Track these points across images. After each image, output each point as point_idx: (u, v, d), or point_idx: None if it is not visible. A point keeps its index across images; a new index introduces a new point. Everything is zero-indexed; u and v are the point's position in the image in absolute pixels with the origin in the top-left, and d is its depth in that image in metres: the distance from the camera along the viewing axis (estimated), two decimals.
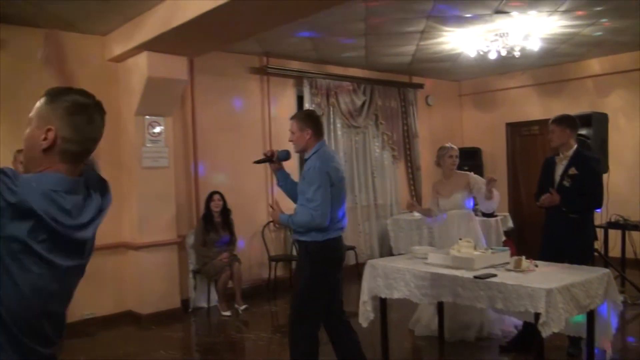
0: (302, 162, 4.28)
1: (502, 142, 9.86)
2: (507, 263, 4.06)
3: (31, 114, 1.72)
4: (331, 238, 3.79)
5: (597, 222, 6.55)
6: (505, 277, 3.75)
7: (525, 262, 3.99)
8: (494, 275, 3.80)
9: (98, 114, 1.75)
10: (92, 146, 1.74)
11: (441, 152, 5.47)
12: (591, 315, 3.95)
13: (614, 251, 6.85)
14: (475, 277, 3.80)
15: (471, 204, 5.35)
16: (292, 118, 3.93)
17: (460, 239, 4.43)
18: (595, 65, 8.55)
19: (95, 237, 1.84)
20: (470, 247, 4.29)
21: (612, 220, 6.73)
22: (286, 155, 3.94)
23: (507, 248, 4.48)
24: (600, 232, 6.70)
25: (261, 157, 3.95)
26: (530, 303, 3.51)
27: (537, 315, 3.48)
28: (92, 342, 5.56)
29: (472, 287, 3.80)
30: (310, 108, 7.82)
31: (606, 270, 4.02)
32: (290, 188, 3.99)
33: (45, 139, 1.63)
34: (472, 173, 5.42)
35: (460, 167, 9.42)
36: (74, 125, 1.66)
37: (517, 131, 9.79)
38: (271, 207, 4.00)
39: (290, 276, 7.49)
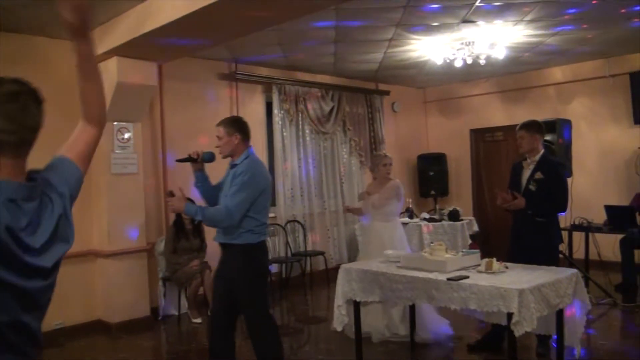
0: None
1: (466, 147, 10.06)
2: (478, 265, 4.16)
3: None
4: (262, 241, 3.91)
5: (562, 224, 6.77)
6: (477, 279, 3.85)
7: (496, 264, 4.09)
8: (467, 277, 3.89)
9: (33, 101, 1.64)
10: (28, 135, 1.62)
11: (376, 161, 5.64)
12: (560, 314, 4.08)
13: (578, 253, 7.04)
14: (449, 279, 3.88)
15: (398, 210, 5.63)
16: (219, 124, 3.97)
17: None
18: (557, 73, 8.79)
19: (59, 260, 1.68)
20: (442, 250, 4.37)
21: (576, 223, 6.93)
22: (210, 157, 3.97)
23: (477, 250, 4.57)
24: (565, 235, 6.90)
25: (185, 156, 4.00)
26: (503, 303, 3.60)
27: (509, 315, 3.58)
28: (62, 352, 5.45)
29: (445, 289, 3.88)
30: (279, 114, 7.87)
31: (574, 271, 4.15)
32: (206, 190, 4.03)
33: None
34: (398, 181, 5.61)
35: (425, 172, 9.70)
36: (6, 114, 1.57)
37: (481, 137, 10.00)
38: (170, 194, 3.97)
39: None
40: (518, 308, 3.53)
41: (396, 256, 4.61)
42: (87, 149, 1.89)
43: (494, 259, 4.14)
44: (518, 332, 3.55)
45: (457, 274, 3.98)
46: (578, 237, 7.03)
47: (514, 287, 3.57)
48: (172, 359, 5.48)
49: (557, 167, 4.84)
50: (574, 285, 4.06)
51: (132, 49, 5.54)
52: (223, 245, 3.90)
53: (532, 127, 4.87)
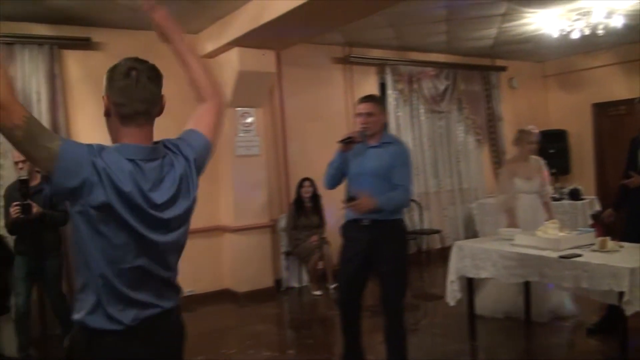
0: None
1: (588, 123, 9.65)
2: (592, 244, 4.15)
3: None
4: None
5: None
6: (590, 257, 3.86)
7: (610, 243, 4.07)
8: (580, 255, 3.91)
9: (146, 76, 1.90)
10: (140, 106, 1.88)
11: (522, 136, 5.41)
12: None
13: None
14: (561, 257, 3.92)
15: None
16: (367, 100, 3.87)
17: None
18: None
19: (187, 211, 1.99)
20: (555, 229, 4.39)
21: None
22: (365, 137, 3.82)
23: (592, 229, 4.52)
24: None
25: (346, 138, 3.77)
26: (615, 282, 3.61)
27: (620, 294, 3.58)
28: (193, 316, 6.00)
29: (557, 267, 3.93)
30: (393, 95, 8.01)
31: None
32: (338, 173, 3.90)
33: (104, 106, 1.90)
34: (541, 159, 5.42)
35: (545, 150, 9.42)
36: (119, 90, 1.86)
37: (604, 112, 9.55)
38: (350, 199, 3.68)
39: None
40: (629, 287, 3.52)
41: (510, 234, 4.68)
42: (212, 120, 2.16)
43: (608, 238, 4.10)
44: (629, 311, 3.54)
45: (570, 252, 4.01)
46: None
47: (625, 266, 3.56)
48: (294, 326, 5.88)
49: None
50: None
51: (251, 40, 5.91)
52: (374, 223, 3.74)
53: None
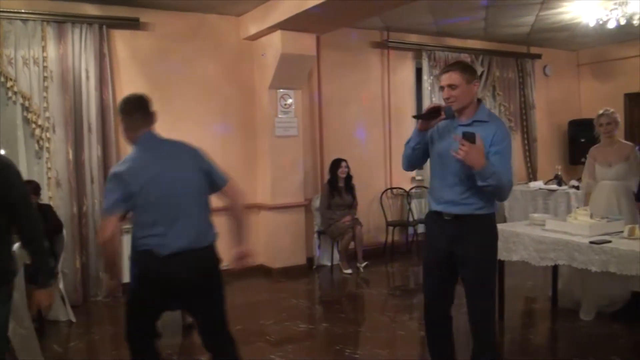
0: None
1: (620, 113, 9.57)
2: (621, 232, 4.28)
3: None
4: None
5: None
6: (619, 244, 4.00)
7: (639, 231, 4.19)
8: (609, 242, 4.05)
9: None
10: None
11: (595, 120, 5.27)
12: None
13: None
14: (591, 242, 4.07)
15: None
16: (451, 69, 3.15)
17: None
18: None
19: None
20: (586, 216, 4.53)
21: None
22: (452, 113, 3.15)
23: (621, 217, 4.64)
24: None
25: (427, 111, 3.20)
26: None
27: None
28: (229, 289, 6.19)
29: (587, 252, 4.08)
30: (429, 80, 8.11)
31: None
32: (418, 154, 3.33)
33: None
34: (637, 147, 5.12)
35: (577, 139, 9.45)
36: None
37: (636, 102, 9.54)
38: (467, 136, 2.92)
39: (407, 241, 7.96)
40: None
41: (542, 219, 4.83)
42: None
43: (637, 226, 4.23)
44: None
45: (600, 238, 4.15)
46: None
47: None
48: (326, 302, 6.11)
49: None
50: None
51: (294, 24, 6.10)
52: (460, 218, 3.16)
53: None
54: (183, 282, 2.90)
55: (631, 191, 5.04)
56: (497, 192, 3.06)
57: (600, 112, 5.23)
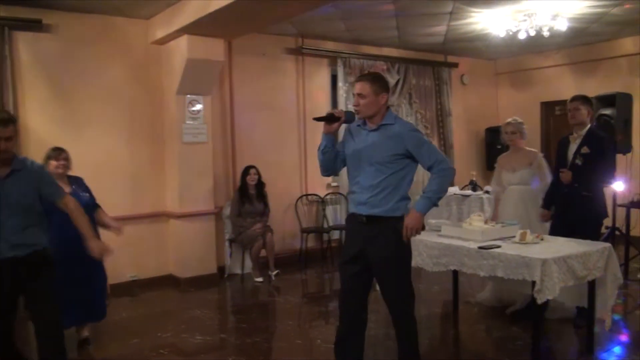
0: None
1: (536, 121, 9.92)
2: (514, 236, 4.35)
3: None
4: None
5: (620, 201, 6.72)
6: (507, 249, 4.06)
7: (530, 236, 4.27)
8: (498, 247, 4.10)
9: None
10: None
11: (502, 129, 5.51)
12: (591, 286, 4.21)
13: (634, 230, 6.95)
14: (480, 247, 4.11)
15: (536, 183, 5.26)
16: (361, 80, 3.40)
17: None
18: (629, 44, 8.51)
19: None
20: (480, 221, 4.58)
21: (635, 199, 6.82)
22: (352, 117, 3.46)
23: (516, 222, 4.72)
24: (622, 211, 6.84)
25: (325, 114, 3.45)
26: (527, 272, 3.81)
27: (533, 283, 3.78)
28: (135, 301, 6.10)
29: (476, 257, 4.12)
30: (344, 87, 8.12)
31: (607, 245, 4.26)
32: (330, 156, 3.50)
33: None
34: (541, 155, 5.33)
35: (493, 145, 9.65)
36: None
37: (552, 110, 9.86)
38: (407, 229, 3.29)
39: (322, 248, 7.91)
40: (540, 277, 3.73)
41: (438, 225, 4.86)
42: None
43: (528, 231, 4.31)
44: (540, 299, 3.76)
45: (491, 243, 4.19)
46: (635, 214, 6.92)
47: (537, 257, 3.76)
48: (234, 312, 5.98)
49: (603, 141, 4.84)
50: (606, 259, 4.17)
51: (200, 27, 5.95)
52: (371, 219, 3.36)
53: (587, 100, 4.91)
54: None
55: (538, 196, 5.21)
56: (447, 186, 3.44)
57: (507, 120, 5.41)
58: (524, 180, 5.22)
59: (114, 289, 6.22)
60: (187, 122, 6.58)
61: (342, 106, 8.03)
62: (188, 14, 5.82)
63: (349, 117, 3.43)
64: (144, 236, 6.58)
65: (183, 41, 6.26)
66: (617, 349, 4.45)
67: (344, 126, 3.54)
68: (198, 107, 6.66)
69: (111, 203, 6.18)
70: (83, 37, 6.22)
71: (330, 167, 3.58)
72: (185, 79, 6.39)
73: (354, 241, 3.46)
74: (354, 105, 3.40)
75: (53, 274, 3.34)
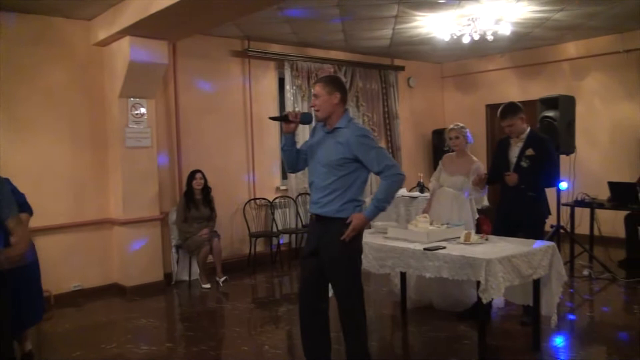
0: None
1: (482, 123, 10.12)
2: (459, 237, 4.39)
3: None
4: None
5: (564, 200, 6.90)
6: (452, 250, 4.08)
7: (474, 236, 4.33)
8: (443, 248, 4.12)
9: None
10: None
11: (445, 133, 5.52)
12: (536, 284, 4.28)
13: (579, 229, 7.13)
14: (425, 249, 4.12)
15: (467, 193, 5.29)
16: (316, 82, 3.62)
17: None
18: (571, 48, 8.78)
19: None
20: (426, 223, 4.61)
21: (579, 198, 7.01)
22: (309, 119, 3.62)
23: (462, 224, 4.77)
24: (566, 210, 7.03)
25: (281, 115, 3.66)
26: (472, 272, 3.84)
27: (478, 283, 3.82)
28: (79, 311, 5.90)
29: (421, 258, 4.14)
30: (292, 90, 8.08)
31: (551, 243, 4.34)
32: (291, 154, 3.68)
33: None
34: (479, 162, 5.34)
35: (440, 147, 9.76)
36: None
37: (496, 113, 10.00)
38: (348, 234, 3.42)
39: (272, 252, 7.84)
40: (485, 277, 3.77)
41: (384, 227, 4.87)
42: None
43: (473, 232, 4.36)
44: (485, 299, 3.79)
45: (436, 244, 4.22)
46: (579, 212, 7.11)
47: (482, 257, 3.80)
48: (181, 320, 5.85)
49: (546, 143, 4.98)
50: (550, 257, 4.25)
51: (142, 29, 5.81)
52: (320, 219, 3.54)
53: (516, 111, 4.98)
54: None
55: (471, 202, 5.32)
56: (396, 192, 3.52)
57: (451, 126, 5.47)
58: (457, 187, 5.28)
59: (57, 299, 6.05)
60: (130, 125, 6.41)
61: (289, 109, 7.97)
62: (130, 15, 5.68)
63: (304, 119, 3.59)
64: (87, 244, 6.39)
65: (125, 43, 6.11)
66: (562, 345, 4.53)
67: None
68: (141, 110, 6.50)
69: (53, 210, 6.05)
70: (22, 38, 5.98)
71: (293, 164, 3.76)
72: (128, 82, 6.23)
73: (311, 238, 3.67)
74: (311, 106, 3.59)
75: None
